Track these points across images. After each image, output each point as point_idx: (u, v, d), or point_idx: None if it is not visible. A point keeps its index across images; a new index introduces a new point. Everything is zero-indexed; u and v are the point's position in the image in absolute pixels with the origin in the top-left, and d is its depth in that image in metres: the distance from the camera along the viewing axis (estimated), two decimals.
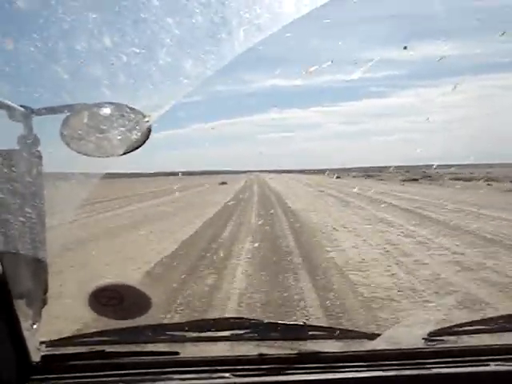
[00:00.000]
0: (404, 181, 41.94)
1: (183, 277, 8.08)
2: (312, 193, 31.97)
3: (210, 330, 1.80)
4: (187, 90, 1.44)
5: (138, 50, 1.42)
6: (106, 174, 1.71)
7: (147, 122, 1.52)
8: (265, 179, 53.38)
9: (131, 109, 1.53)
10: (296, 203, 22.12)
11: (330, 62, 3.03)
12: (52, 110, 1.62)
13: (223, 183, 44.57)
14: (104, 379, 1.50)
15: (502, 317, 1.79)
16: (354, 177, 54.97)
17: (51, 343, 1.65)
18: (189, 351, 1.68)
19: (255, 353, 1.60)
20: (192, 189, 35.51)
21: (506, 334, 1.76)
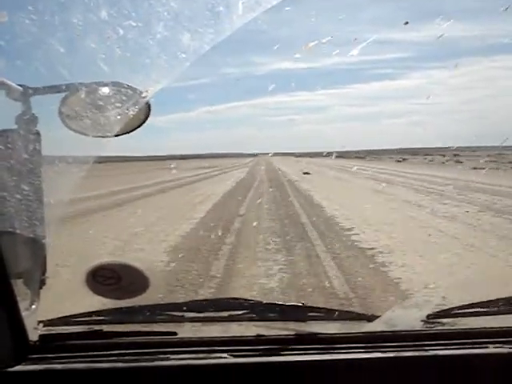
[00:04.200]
0: None
1: None
2: None
3: (207, 311, 1.80)
4: (185, 64, 1.43)
5: (134, 24, 1.40)
6: (104, 157, 1.70)
7: (145, 97, 1.51)
8: (285, 172, 34.14)
9: (129, 86, 1.52)
10: None
11: (330, 38, 2.99)
12: (50, 89, 1.61)
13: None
14: (101, 359, 1.51)
15: (500, 299, 1.79)
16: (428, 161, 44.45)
17: (49, 323, 1.66)
18: (186, 331, 1.68)
19: (253, 333, 1.60)
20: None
21: (505, 316, 1.77)
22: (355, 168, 36.79)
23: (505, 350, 1.53)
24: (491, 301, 1.79)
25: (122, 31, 1.41)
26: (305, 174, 31.17)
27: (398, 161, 48.32)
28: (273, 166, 45.16)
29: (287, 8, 1.79)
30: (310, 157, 50.96)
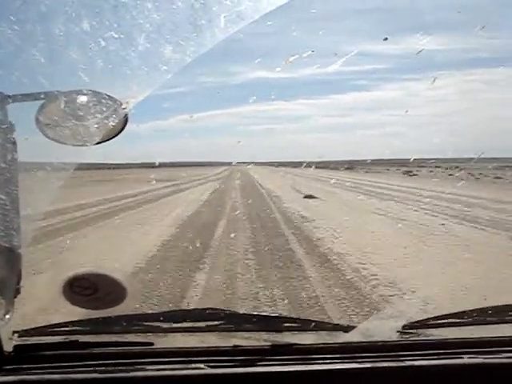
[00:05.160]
0: None
1: None
2: None
3: (184, 321, 1.80)
4: (166, 76, 1.44)
5: (116, 35, 1.41)
6: (83, 164, 1.69)
7: (124, 108, 1.51)
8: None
9: (109, 96, 1.51)
10: None
11: (310, 52, 3.02)
12: (28, 97, 1.60)
13: None
14: (78, 369, 1.49)
15: (474, 310, 1.81)
16: None
17: (24, 333, 1.64)
18: (163, 342, 1.68)
19: (230, 344, 1.60)
20: None
21: (479, 327, 1.79)
22: (367, 183, 27.34)
23: (479, 360, 1.54)
24: (466, 311, 1.82)
25: (103, 42, 1.41)
26: (307, 197, 20.00)
27: (410, 175, 39.36)
28: (252, 179, 34.04)
29: (269, 22, 1.80)
30: (293, 167, 43.27)
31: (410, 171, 41.22)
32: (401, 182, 28.82)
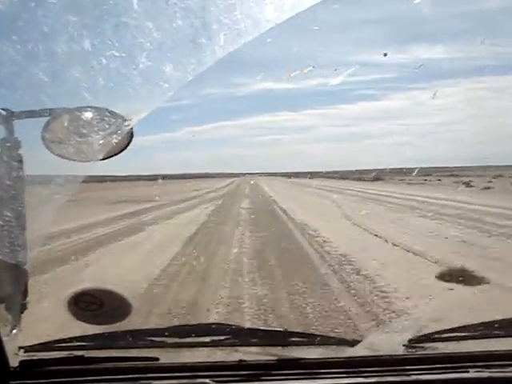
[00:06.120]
0: None
1: None
2: None
3: (189, 336, 1.79)
4: (167, 94, 1.44)
5: (118, 54, 1.42)
6: (89, 177, 1.70)
7: (127, 125, 1.52)
8: None
9: (112, 113, 1.52)
10: None
11: (311, 67, 3.04)
12: (32, 114, 1.61)
13: None
14: None
15: (480, 324, 1.80)
16: None
17: (30, 348, 1.64)
18: (168, 357, 1.67)
19: (235, 359, 1.60)
20: None
21: (485, 340, 1.78)
22: (459, 206, 18.14)
23: (485, 374, 1.53)
24: (471, 325, 1.81)
25: (105, 61, 1.42)
26: (448, 279, 7.52)
27: (484, 187, 28.06)
28: (267, 199, 25.08)
29: (269, 40, 1.82)
30: (309, 178, 37.18)
31: (469, 182, 32.50)
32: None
